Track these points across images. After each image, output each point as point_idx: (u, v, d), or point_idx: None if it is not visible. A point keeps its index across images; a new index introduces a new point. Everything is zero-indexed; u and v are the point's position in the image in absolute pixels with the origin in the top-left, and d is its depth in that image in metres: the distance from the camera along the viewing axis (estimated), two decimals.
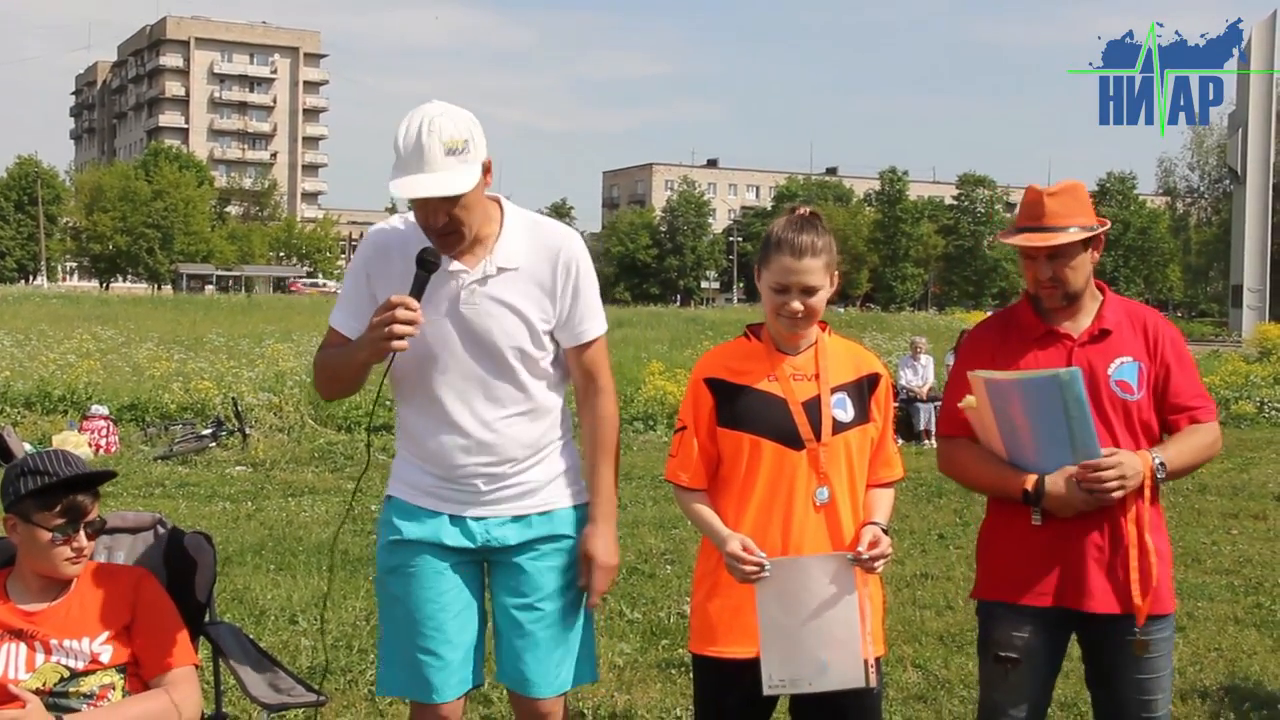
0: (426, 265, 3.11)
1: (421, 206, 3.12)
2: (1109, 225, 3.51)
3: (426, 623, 3.29)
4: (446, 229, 3.12)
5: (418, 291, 3.09)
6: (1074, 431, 3.22)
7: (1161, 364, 3.38)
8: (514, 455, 3.29)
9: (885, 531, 3.16)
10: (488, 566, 3.38)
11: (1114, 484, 3.21)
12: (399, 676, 3.36)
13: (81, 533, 3.22)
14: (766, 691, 3.10)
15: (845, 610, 3.10)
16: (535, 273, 3.28)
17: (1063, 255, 3.33)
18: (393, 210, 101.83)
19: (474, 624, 3.36)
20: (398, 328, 3.01)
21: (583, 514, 3.40)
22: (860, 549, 3.09)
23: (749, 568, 3.07)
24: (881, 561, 3.11)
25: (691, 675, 3.46)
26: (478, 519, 3.30)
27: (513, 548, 3.31)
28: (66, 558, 3.22)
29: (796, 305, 3.12)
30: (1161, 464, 3.29)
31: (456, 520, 3.31)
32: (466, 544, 3.31)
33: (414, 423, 3.34)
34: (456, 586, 3.32)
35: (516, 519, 3.31)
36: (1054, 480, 3.26)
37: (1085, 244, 3.36)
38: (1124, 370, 3.35)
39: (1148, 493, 3.27)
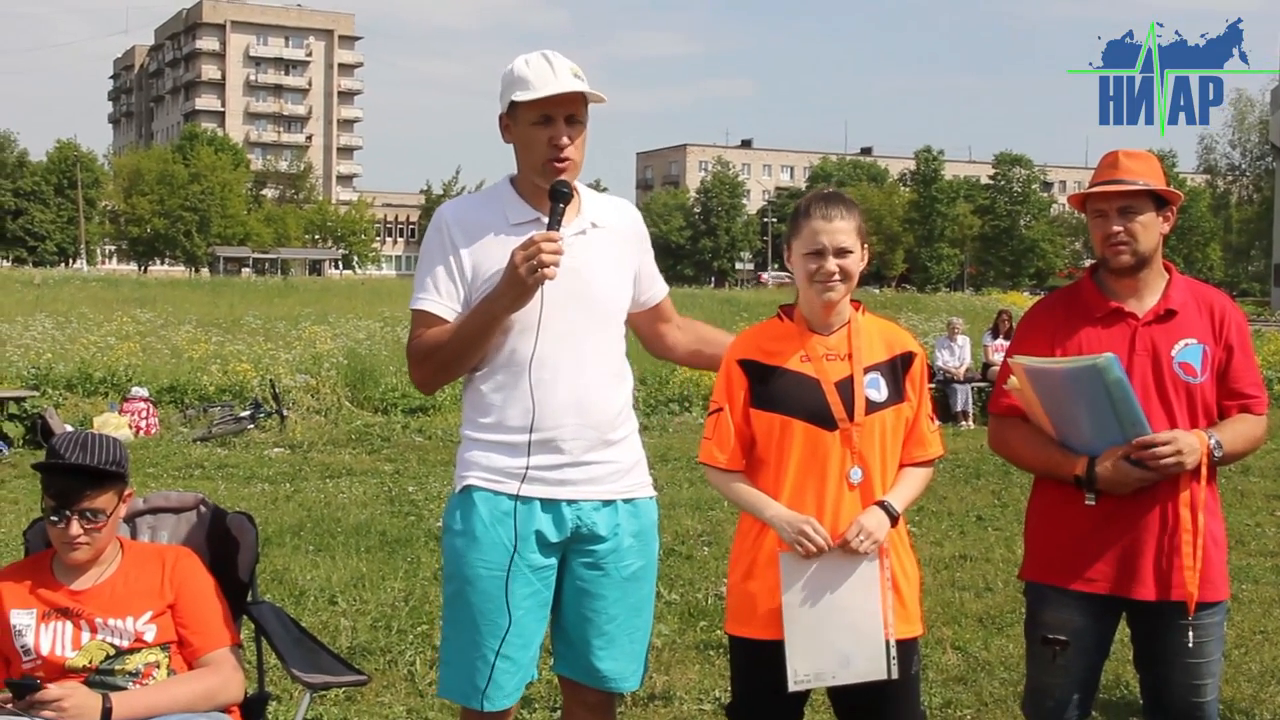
0: (561, 196, 3.12)
1: (545, 126, 3.15)
2: (1183, 199, 3.48)
3: (509, 628, 3.15)
4: (566, 152, 3.15)
5: (555, 224, 3.09)
6: (1120, 415, 3.19)
7: (1225, 347, 3.34)
8: (607, 417, 3.24)
9: (890, 511, 3.14)
10: (566, 557, 3.26)
11: (1171, 460, 3.17)
12: (466, 681, 3.20)
13: (74, 521, 3.17)
14: (792, 688, 3.11)
15: (869, 602, 3.11)
16: (623, 233, 3.36)
17: (1133, 210, 3.30)
18: (427, 193, 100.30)
19: (545, 621, 3.29)
20: (546, 256, 2.99)
21: (656, 508, 3.41)
22: (847, 536, 3.09)
23: (813, 546, 3.07)
24: (868, 544, 3.09)
25: (728, 656, 3.46)
26: (570, 502, 3.20)
27: (600, 539, 3.23)
28: (63, 540, 3.19)
29: (831, 266, 3.11)
30: (1218, 443, 3.25)
31: (549, 507, 3.19)
32: (557, 536, 3.19)
33: (502, 388, 3.19)
34: (537, 587, 3.21)
35: (606, 504, 3.24)
36: (1103, 464, 3.23)
37: (1156, 207, 3.33)
38: (1188, 352, 3.31)
39: (1204, 473, 3.23)
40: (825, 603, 3.10)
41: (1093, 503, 3.27)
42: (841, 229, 3.12)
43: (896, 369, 3.22)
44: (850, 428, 3.13)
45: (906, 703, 3.23)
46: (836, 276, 3.12)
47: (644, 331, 3.60)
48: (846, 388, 3.15)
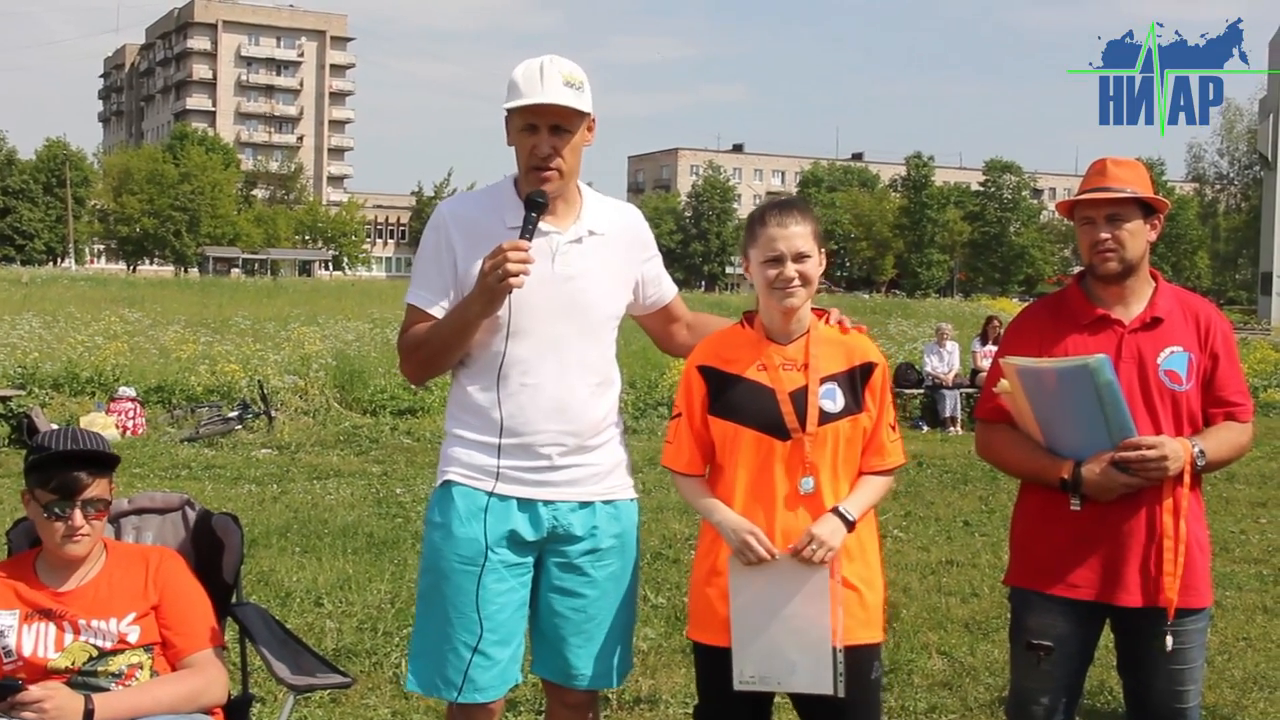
0: (536, 205, 3.12)
1: (530, 134, 3.15)
2: (1169, 207, 3.50)
3: (484, 623, 3.17)
4: (548, 161, 3.14)
5: (528, 233, 3.09)
6: (1108, 417, 3.20)
7: (1210, 355, 3.35)
8: (588, 424, 3.26)
9: (845, 517, 3.13)
10: (542, 558, 3.29)
11: (1155, 465, 3.18)
12: (437, 673, 3.23)
13: (77, 511, 3.17)
14: (737, 687, 3.13)
15: (816, 613, 3.10)
16: (622, 241, 3.36)
17: (1121, 218, 3.32)
18: (418, 194, 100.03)
19: (525, 620, 3.31)
20: (512, 266, 2.99)
21: (636, 510, 3.43)
22: (797, 545, 3.09)
23: (753, 556, 3.09)
24: (821, 554, 3.08)
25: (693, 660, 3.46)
26: (548, 503, 3.23)
27: (576, 539, 3.26)
28: (62, 534, 3.18)
29: (790, 271, 3.11)
30: (1201, 452, 3.26)
31: (525, 506, 3.23)
32: (533, 535, 3.23)
33: (486, 389, 3.22)
34: (513, 584, 3.23)
35: (583, 505, 3.27)
36: (1090, 468, 3.24)
37: (1144, 215, 3.35)
38: (1173, 360, 3.32)
39: (1187, 480, 3.24)
40: (773, 610, 3.11)
41: (1078, 507, 3.28)
42: (798, 234, 3.13)
43: (855, 379, 3.21)
44: (803, 437, 3.14)
45: (866, 707, 3.24)
46: (796, 282, 3.12)
47: (655, 331, 3.65)
48: (800, 398, 3.16)
